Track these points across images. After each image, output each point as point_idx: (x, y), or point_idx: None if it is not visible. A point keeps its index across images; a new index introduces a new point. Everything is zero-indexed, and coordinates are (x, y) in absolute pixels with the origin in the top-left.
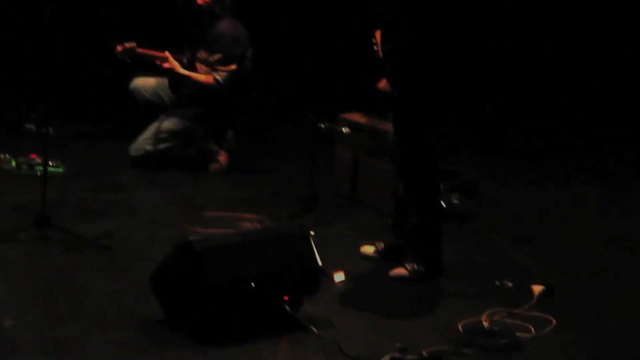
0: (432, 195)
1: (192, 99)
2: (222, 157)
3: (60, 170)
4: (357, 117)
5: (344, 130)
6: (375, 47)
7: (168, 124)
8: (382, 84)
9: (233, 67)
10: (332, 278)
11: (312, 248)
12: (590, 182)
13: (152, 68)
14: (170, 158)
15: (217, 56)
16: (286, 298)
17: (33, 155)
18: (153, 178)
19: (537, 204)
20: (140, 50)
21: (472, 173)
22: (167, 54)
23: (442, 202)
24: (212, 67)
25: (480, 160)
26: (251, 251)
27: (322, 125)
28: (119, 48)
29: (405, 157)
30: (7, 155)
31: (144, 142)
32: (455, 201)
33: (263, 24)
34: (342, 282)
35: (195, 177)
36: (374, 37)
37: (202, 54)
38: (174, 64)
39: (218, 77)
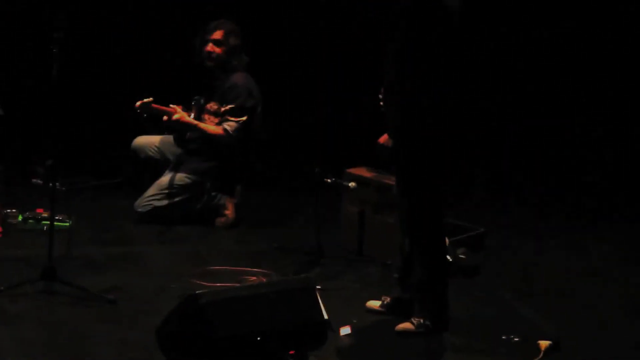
0: (438, 250)
1: (199, 153)
2: (229, 211)
3: (67, 224)
4: (363, 171)
5: (350, 185)
6: (381, 103)
7: (174, 178)
8: (383, 139)
9: (244, 118)
10: (338, 332)
11: (318, 302)
12: (598, 235)
13: (160, 125)
14: (178, 213)
15: (228, 107)
16: (292, 352)
17: (40, 210)
18: (159, 231)
19: (544, 258)
20: (155, 106)
21: (478, 227)
22: (176, 107)
23: (448, 256)
24: (222, 117)
25: (487, 212)
26: (257, 305)
27: (328, 180)
28: (138, 103)
29: (409, 211)
30: (14, 210)
31: (150, 198)
32: (462, 256)
33: (271, 80)
34: (348, 335)
35: (201, 231)
36: (380, 92)
37: (212, 106)
38: (182, 115)
39: (228, 128)
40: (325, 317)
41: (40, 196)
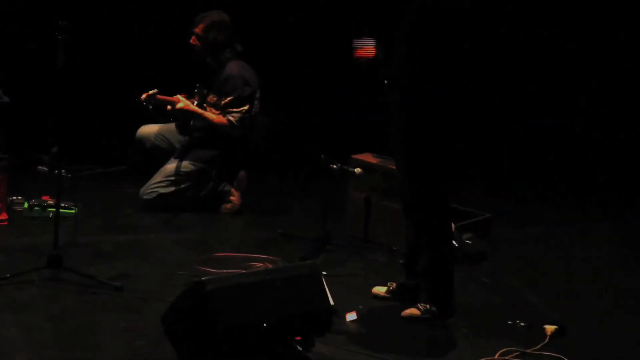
0: (443, 236)
1: (203, 142)
2: (235, 198)
3: (73, 211)
4: (368, 157)
5: (356, 171)
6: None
7: (179, 166)
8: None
9: (245, 107)
10: (344, 318)
11: (324, 288)
12: (605, 221)
13: (165, 114)
14: (183, 200)
15: (228, 99)
16: (298, 338)
17: (45, 197)
18: (165, 219)
19: (550, 244)
20: (160, 96)
21: (484, 213)
22: (179, 97)
23: (454, 242)
24: (223, 110)
25: (494, 199)
26: (263, 292)
27: (334, 166)
28: (144, 95)
29: (415, 197)
30: (20, 197)
31: (155, 185)
32: (468, 241)
33: (276, 64)
34: (354, 322)
35: (207, 218)
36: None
37: (211, 98)
38: (187, 103)
39: (232, 119)
40: (332, 303)
41: (46, 184)
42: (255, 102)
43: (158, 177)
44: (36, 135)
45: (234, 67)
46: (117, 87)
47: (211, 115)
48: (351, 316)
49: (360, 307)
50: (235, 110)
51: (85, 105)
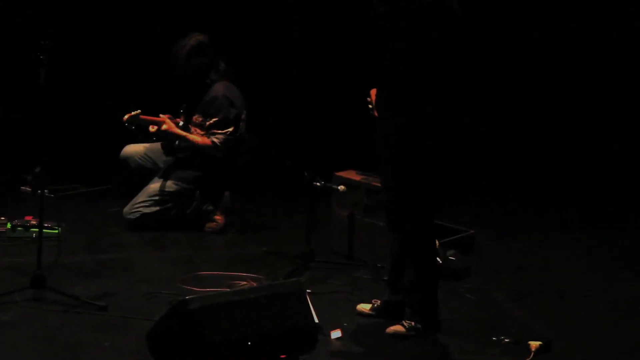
0: (428, 253)
1: (188, 162)
2: (219, 217)
3: (56, 231)
4: (352, 174)
5: (340, 188)
6: (370, 106)
7: (163, 185)
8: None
9: (230, 129)
10: (329, 336)
11: (309, 305)
12: (590, 232)
13: (149, 135)
14: (167, 219)
15: (213, 120)
16: (283, 357)
17: (28, 217)
18: (149, 238)
19: (535, 258)
20: (143, 117)
21: (468, 229)
22: (165, 117)
23: (438, 258)
24: (208, 131)
25: (478, 213)
26: (247, 310)
27: (318, 184)
28: (126, 116)
29: (400, 213)
30: (3, 218)
31: (139, 205)
32: (451, 258)
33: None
34: (339, 339)
35: (191, 237)
36: (369, 95)
37: (197, 118)
38: (171, 125)
39: (216, 140)
40: (316, 321)
41: (29, 204)
42: (241, 123)
43: (141, 196)
44: (19, 156)
45: (219, 89)
46: (101, 105)
47: (195, 137)
48: (336, 334)
49: (345, 324)
50: (219, 132)
51: (69, 125)
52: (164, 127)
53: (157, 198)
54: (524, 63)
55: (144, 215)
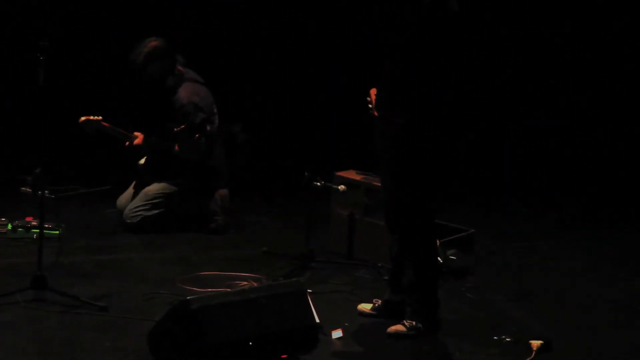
0: (428, 252)
1: (171, 173)
2: (220, 217)
3: (56, 232)
4: (352, 174)
5: (340, 188)
6: (370, 105)
7: (159, 188)
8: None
9: (197, 135)
10: (329, 335)
11: (309, 305)
12: (590, 233)
13: (116, 143)
14: (167, 220)
15: (181, 127)
16: (284, 357)
17: (29, 218)
18: (149, 238)
19: (535, 258)
20: (105, 124)
21: (468, 229)
22: (138, 134)
23: (438, 258)
24: (179, 136)
25: (478, 213)
26: (248, 310)
27: (318, 183)
28: (82, 119)
29: (401, 213)
30: (3, 219)
31: (139, 208)
32: (452, 257)
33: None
34: (339, 339)
35: (191, 237)
36: (369, 95)
37: (170, 125)
38: (141, 141)
39: (189, 146)
40: (317, 321)
41: (30, 204)
42: (212, 117)
43: (139, 200)
44: (19, 156)
45: (183, 95)
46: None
47: (168, 144)
48: (337, 333)
49: (346, 324)
50: (190, 138)
51: (69, 125)
52: (137, 141)
53: (155, 201)
54: (524, 63)
55: (145, 218)
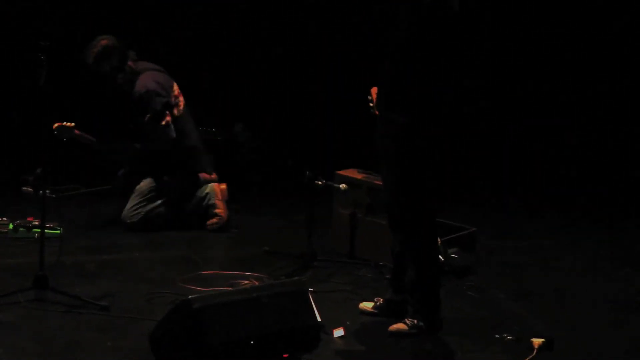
0: (430, 251)
1: (152, 165)
2: (220, 210)
3: (58, 232)
4: (353, 173)
5: (341, 187)
6: (370, 104)
7: (151, 181)
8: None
9: (167, 119)
10: (331, 334)
11: (311, 304)
12: (591, 232)
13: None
14: (167, 216)
15: (146, 118)
16: (286, 356)
17: (30, 218)
18: (150, 238)
19: (535, 258)
20: (78, 132)
21: (470, 227)
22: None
23: (440, 256)
24: (148, 127)
25: (478, 213)
26: (250, 309)
27: (319, 183)
28: (56, 124)
29: (403, 212)
30: (5, 218)
31: (137, 207)
32: (454, 256)
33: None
34: (341, 338)
35: (192, 236)
36: (370, 94)
37: (140, 120)
38: (106, 146)
39: (159, 134)
40: (319, 319)
41: (31, 204)
42: (176, 100)
43: (136, 198)
44: (20, 156)
45: (140, 84)
46: (101, 105)
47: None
48: (339, 332)
49: (348, 323)
50: (157, 125)
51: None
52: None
53: (150, 195)
54: (524, 63)
55: (145, 215)
